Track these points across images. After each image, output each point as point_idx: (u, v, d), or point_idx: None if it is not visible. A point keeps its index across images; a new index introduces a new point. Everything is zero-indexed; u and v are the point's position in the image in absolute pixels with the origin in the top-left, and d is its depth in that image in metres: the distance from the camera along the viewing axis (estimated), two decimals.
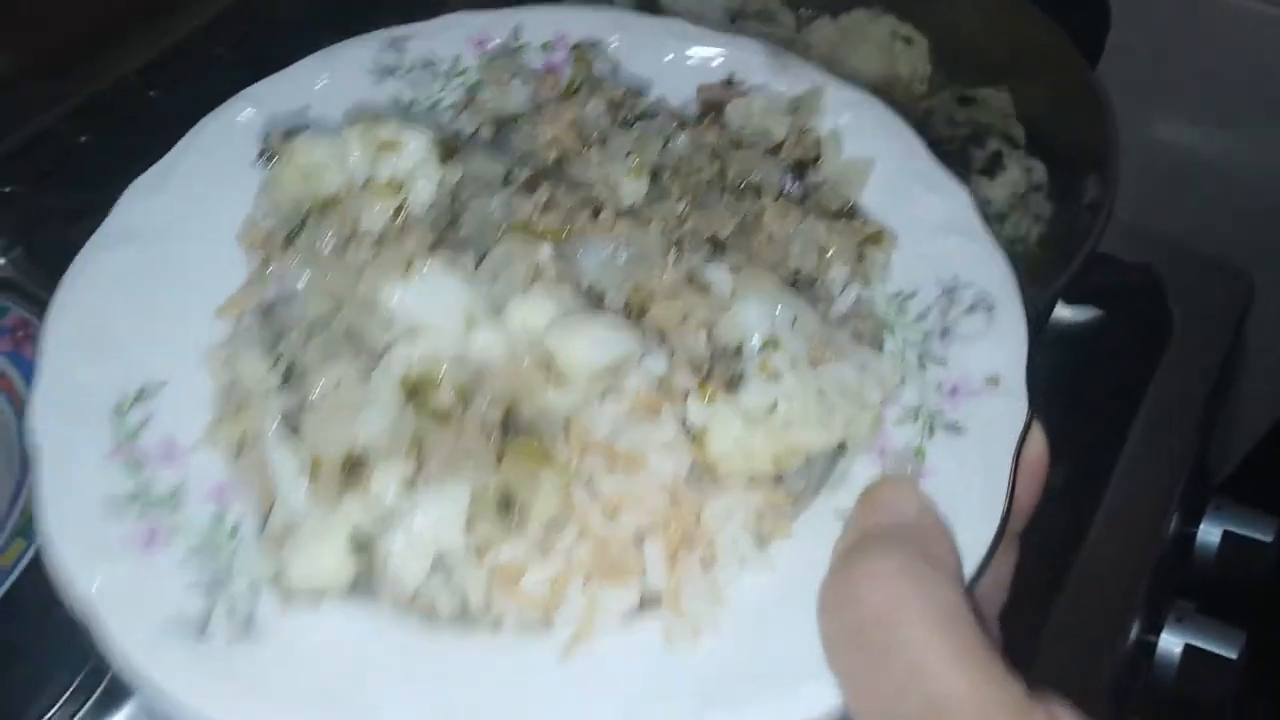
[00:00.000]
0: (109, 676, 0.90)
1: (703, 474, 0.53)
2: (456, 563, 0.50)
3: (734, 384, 0.52)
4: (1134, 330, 1.18)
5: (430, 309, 0.50)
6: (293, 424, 0.54)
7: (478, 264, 0.52)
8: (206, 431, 0.56)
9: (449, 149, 0.54)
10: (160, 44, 1.39)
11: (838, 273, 0.62)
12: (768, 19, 1.25)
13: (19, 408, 0.97)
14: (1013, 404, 0.55)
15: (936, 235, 0.63)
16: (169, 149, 1.24)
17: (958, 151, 1.09)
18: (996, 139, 1.11)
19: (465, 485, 0.49)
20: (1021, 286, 0.60)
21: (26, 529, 0.89)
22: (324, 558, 0.49)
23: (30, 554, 0.87)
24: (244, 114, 0.69)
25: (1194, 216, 1.31)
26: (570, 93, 0.60)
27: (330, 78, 0.72)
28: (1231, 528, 1.09)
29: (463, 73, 0.74)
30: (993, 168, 1.09)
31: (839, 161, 0.67)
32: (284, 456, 0.52)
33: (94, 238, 0.63)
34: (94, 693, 0.90)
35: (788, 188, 0.64)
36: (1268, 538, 1.07)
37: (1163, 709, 0.99)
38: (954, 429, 0.55)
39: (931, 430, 0.55)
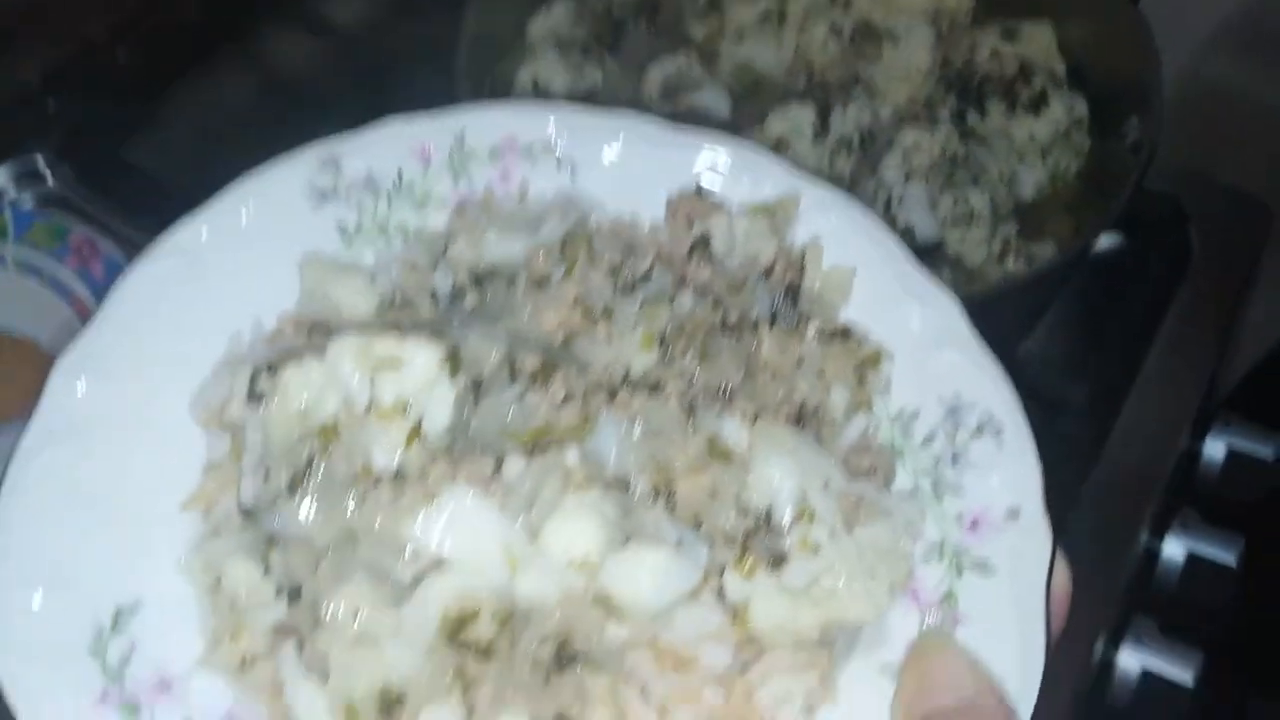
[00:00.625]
0: None
1: (743, 646, 0.52)
2: None
3: (776, 562, 0.51)
4: (1157, 258, 1.21)
5: (462, 543, 0.47)
6: (291, 636, 0.50)
7: (495, 469, 0.49)
8: (204, 658, 0.51)
9: (456, 360, 0.50)
10: None
11: (838, 398, 0.61)
12: None
13: None
14: (1037, 539, 0.55)
15: (931, 350, 0.62)
16: (207, 65, 1.23)
17: (1004, 89, 1.10)
18: (1042, 75, 1.11)
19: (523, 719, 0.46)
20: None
21: None
22: None
23: None
24: (173, 265, 0.62)
25: (1219, 148, 1.34)
26: (570, 270, 0.56)
27: (262, 206, 0.65)
28: (1236, 443, 1.14)
29: (408, 188, 0.69)
30: (1038, 104, 1.09)
31: (821, 273, 0.65)
32: (308, 696, 0.47)
33: (24, 439, 0.55)
34: None
35: (780, 315, 0.62)
36: (1269, 454, 1.13)
37: (1167, 611, 1.05)
38: (983, 568, 0.55)
39: (960, 570, 0.55)
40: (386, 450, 0.49)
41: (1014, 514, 0.56)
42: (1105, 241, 1.21)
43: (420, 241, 0.65)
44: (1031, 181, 1.10)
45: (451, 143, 0.69)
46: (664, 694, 0.49)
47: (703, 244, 0.62)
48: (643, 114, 0.71)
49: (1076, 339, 1.19)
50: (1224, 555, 1.08)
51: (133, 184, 1.24)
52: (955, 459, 0.59)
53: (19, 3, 1.26)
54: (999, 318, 0.98)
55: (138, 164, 1.27)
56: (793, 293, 0.62)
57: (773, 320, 0.61)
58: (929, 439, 0.60)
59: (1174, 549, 1.08)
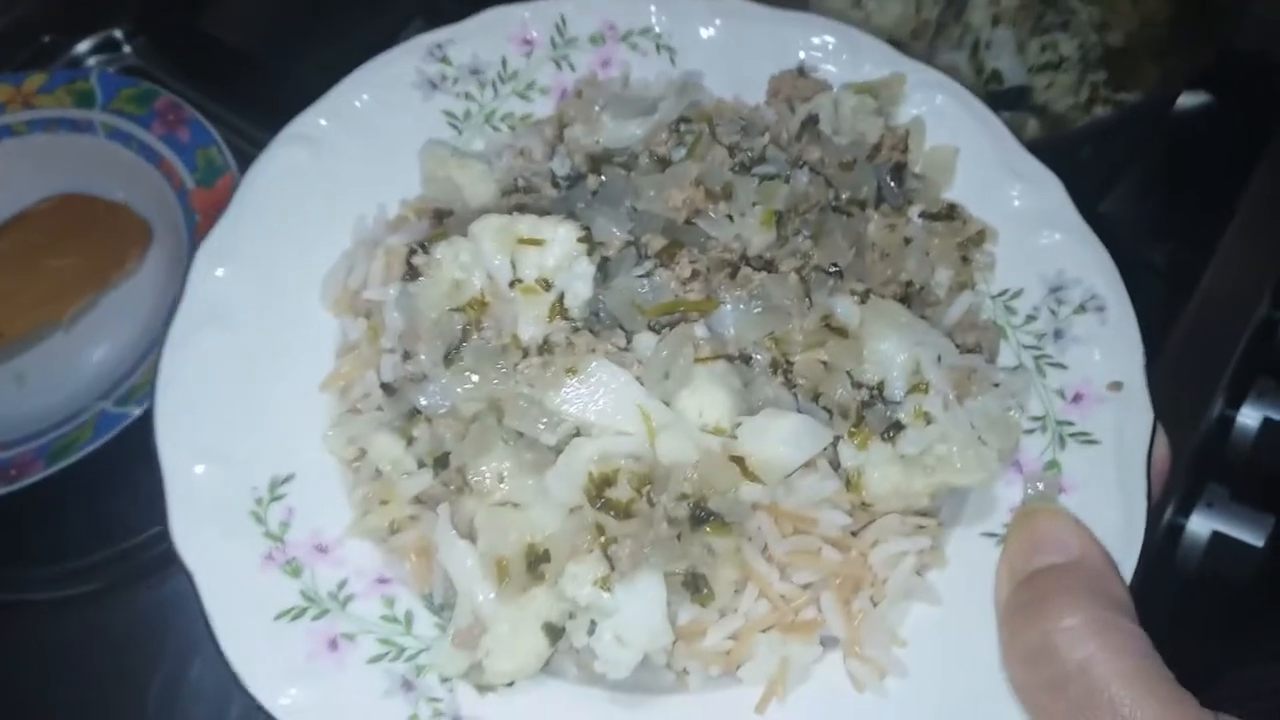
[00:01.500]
0: None
1: (857, 511, 0.55)
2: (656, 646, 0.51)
3: (890, 432, 0.53)
4: (1243, 117, 1.17)
5: (602, 408, 0.50)
6: (432, 506, 0.54)
7: (627, 342, 0.51)
8: (355, 524, 0.56)
9: (592, 238, 0.52)
10: None
11: (943, 276, 0.62)
12: None
13: (179, 187, 1.03)
14: (1139, 411, 0.57)
15: (1034, 230, 0.63)
16: None
17: None
18: None
19: (658, 575, 0.49)
20: (1128, 284, 0.61)
21: None
22: (522, 654, 0.50)
23: None
24: (297, 155, 0.64)
25: None
26: (692, 150, 0.57)
27: (375, 98, 0.67)
28: (1273, 414, 1.08)
29: (514, 76, 0.70)
30: None
31: (925, 152, 0.66)
32: (460, 554, 0.51)
33: (175, 324, 0.59)
34: None
35: (887, 196, 0.63)
36: None
37: (1239, 477, 1.06)
38: (1085, 439, 0.57)
39: (1063, 441, 0.57)
40: (532, 324, 0.52)
41: (1116, 386, 0.58)
42: (1193, 100, 1.17)
43: (529, 129, 0.67)
44: (1122, 28, 1.06)
45: (553, 30, 0.70)
46: (784, 554, 0.52)
47: (812, 123, 0.63)
48: (745, 3, 0.71)
49: (1162, 199, 1.17)
50: (1252, 537, 1.03)
51: (206, 52, 1.26)
52: (1058, 335, 0.61)
53: None
54: (1083, 165, 0.96)
55: (212, 33, 1.28)
56: (898, 172, 0.63)
57: (879, 200, 0.62)
58: (1032, 316, 0.62)
59: (1250, 416, 1.06)
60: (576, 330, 0.51)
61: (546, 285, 0.52)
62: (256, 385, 0.59)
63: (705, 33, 0.70)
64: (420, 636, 0.53)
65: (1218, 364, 1.02)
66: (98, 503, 0.92)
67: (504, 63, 0.69)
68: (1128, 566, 0.53)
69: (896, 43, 0.97)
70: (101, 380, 0.95)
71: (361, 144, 0.65)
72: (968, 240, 0.63)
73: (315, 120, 0.65)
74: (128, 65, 1.24)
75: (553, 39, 0.70)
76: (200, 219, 1.00)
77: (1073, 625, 0.47)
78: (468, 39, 0.69)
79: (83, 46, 1.25)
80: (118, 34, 1.25)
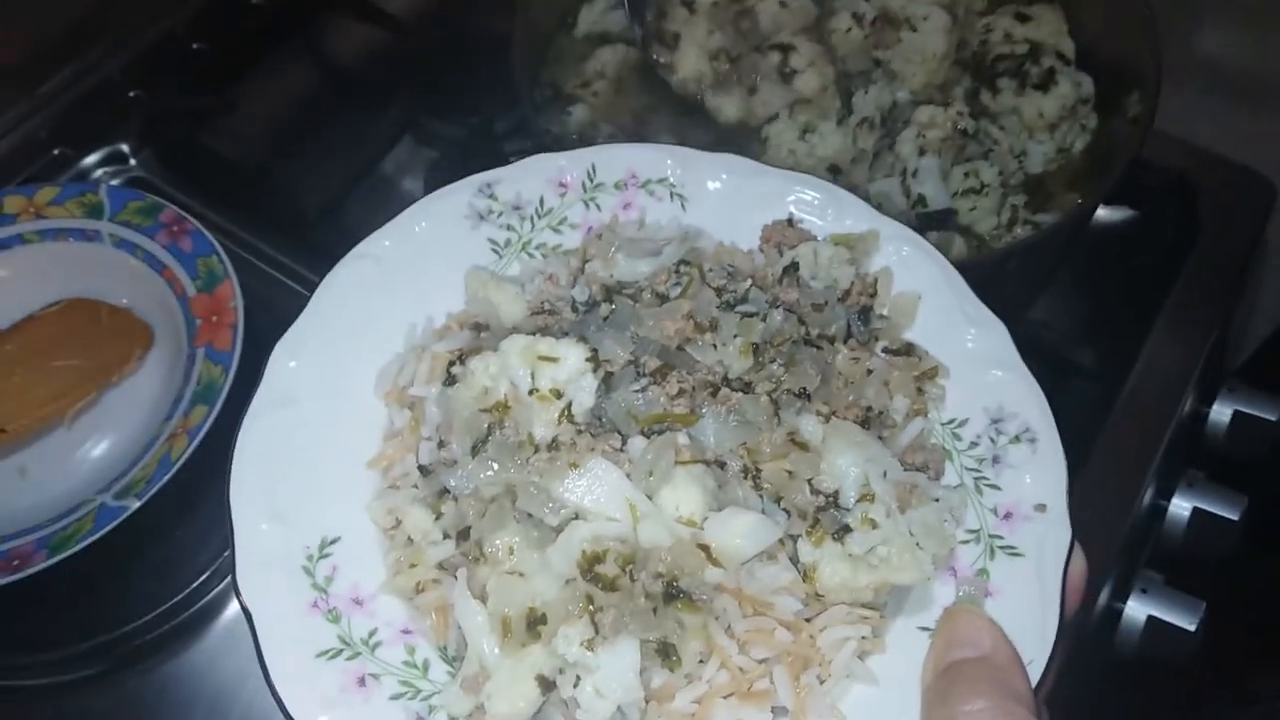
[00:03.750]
0: None
1: (811, 601, 0.65)
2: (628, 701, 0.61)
3: (839, 534, 0.63)
4: (1165, 230, 1.28)
5: (596, 497, 0.61)
6: (458, 568, 0.65)
7: (625, 444, 0.63)
8: (387, 582, 0.66)
9: (598, 359, 0.64)
10: None
11: (900, 404, 0.73)
12: None
13: (181, 294, 1.09)
14: (1059, 529, 0.67)
15: (981, 368, 0.74)
16: (275, 56, 1.41)
17: (1016, 68, 1.18)
18: (1050, 55, 1.19)
19: (634, 641, 0.59)
20: (1057, 417, 0.71)
21: (206, 395, 1.01)
22: (517, 701, 0.60)
23: (213, 417, 0.97)
24: (363, 269, 0.77)
25: (1225, 125, 1.40)
26: (685, 290, 0.69)
27: (431, 225, 0.80)
28: (1242, 407, 1.21)
29: (548, 213, 0.83)
30: (1046, 82, 1.17)
31: (890, 297, 0.77)
32: (472, 611, 0.62)
33: (253, 404, 0.71)
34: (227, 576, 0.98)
35: (854, 332, 0.74)
36: (1273, 416, 1.20)
37: (1171, 563, 1.12)
38: (1012, 552, 0.67)
39: (993, 553, 0.67)
40: (545, 425, 0.63)
41: (1041, 508, 0.68)
42: (1116, 214, 1.29)
43: (558, 258, 0.79)
44: (1040, 155, 1.17)
45: (584, 175, 0.83)
46: (744, 631, 0.62)
47: (793, 269, 0.74)
48: (743, 156, 0.84)
49: (1088, 307, 1.26)
50: (1228, 511, 1.14)
51: (207, 165, 1.35)
52: (995, 460, 0.71)
53: (99, 2, 1.37)
54: (1010, 275, 1.08)
55: (212, 146, 1.37)
56: (865, 314, 0.75)
57: (847, 336, 0.74)
58: (974, 443, 0.72)
59: (1181, 506, 1.15)
60: (580, 432, 0.63)
61: (558, 394, 0.64)
62: (315, 460, 0.70)
63: (712, 185, 0.83)
64: (434, 681, 0.63)
65: (1146, 457, 1.11)
66: (93, 591, 0.99)
67: (541, 201, 0.82)
68: (1039, 664, 0.61)
69: (837, 169, 1.12)
70: (101, 474, 1.00)
71: (417, 263, 0.78)
72: (922, 374, 0.73)
73: (380, 241, 0.78)
74: (133, 177, 1.33)
75: (584, 183, 0.83)
76: (200, 323, 1.07)
77: (974, 710, 0.56)
78: (513, 180, 0.82)
79: (90, 159, 1.34)
80: (124, 148, 1.34)
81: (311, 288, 0.72)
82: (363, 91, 1.48)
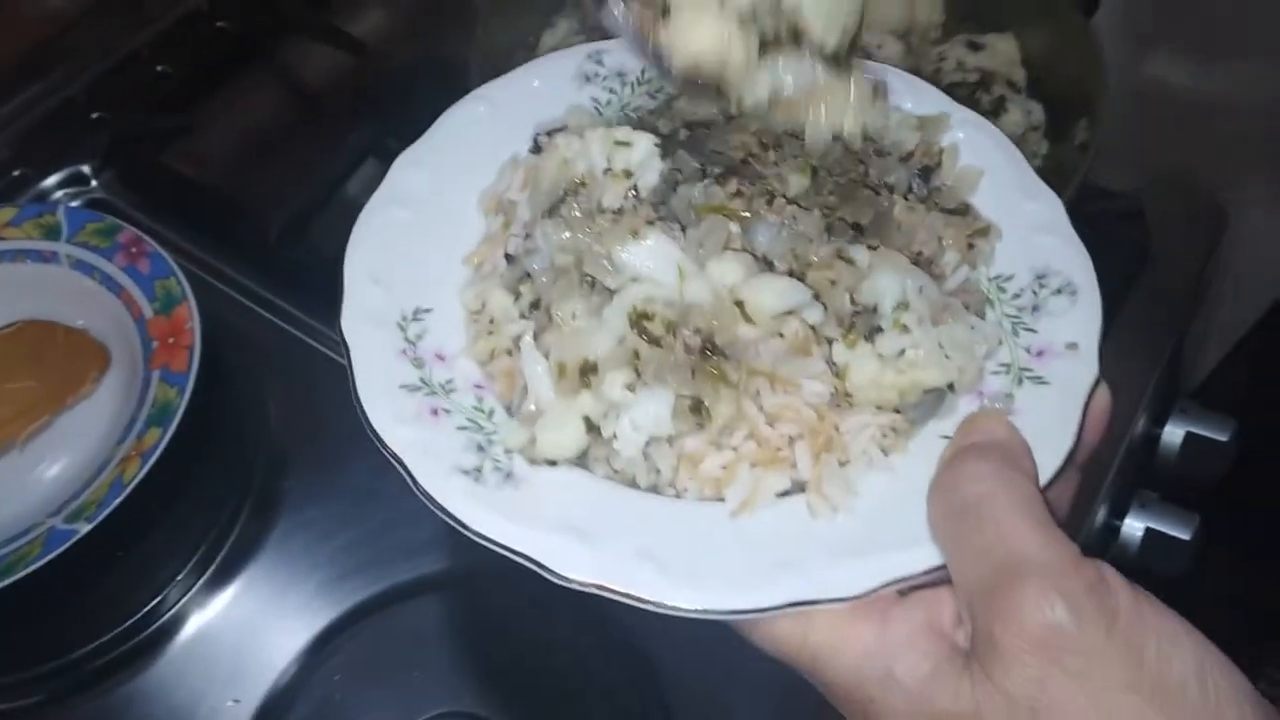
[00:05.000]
0: (224, 552, 1.05)
1: (842, 399, 0.71)
2: (657, 448, 0.68)
3: (872, 335, 0.69)
4: (1116, 252, 1.27)
5: (652, 264, 0.69)
6: (536, 338, 0.73)
7: (685, 233, 0.70)
8: (466, 345, 0.75)
9: (665, 149, 0.73)
10: None
11: (951, 257, 0.78)
12: None
13: (138, 316, 1.09)
14: (1087, 365, 0.71)
15: (1033, 233, 0.79)
16: (239, 78, 1.43)
17: (967, 96, 1.20)
18: (1001, 84, 1.23)
19: (670, 390, 0.67)
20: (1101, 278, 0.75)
21: (160, 418, 1.01)
22: (565, 434, 0.68)
23: (166, 439, 0.98)
24: (479, 107, 0.88)
25: (1176, 148, 1.43)
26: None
27: (543, 81, 0.91)
28: (1193, 428, 1.23)
29: (648, 82, 0.92)
30: (997, 110, 1.21)
31: (955, 170, 0.83)
32: (535, 361, 0.70)
33: (373, 199, 0.82)
34: (210, 566, 1.06)
35: (914, 188, 0.80)
36: (1224, 437, 1.22)
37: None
38: (1038, 381, 0.71)
39: (1020, 381, 0.72)
40: (613, 198, 0.72)
41: (1073, 347, 0.72)
42: None
43: (652, 117, 0.89)
44: None
45: None
46: (772, 405, 0.68)
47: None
48: None
49: None
50: (1180, 531, 1.16)
51: (170, 186, 1.33)
52: (1035, 309, 0.75)
53: (62, 21, 1.40)
54: None
55: (175, 168, 1.35)
56: (926, 173, 0.81)
57: (908, 191, 0.80)
58: (1017, 295, 0.77)
59: (1133, 526, 1.17)
60: (642, 204, 0.71)
61: (628, 174, 0.72)
62: (419, 249, 0.80)
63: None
64: (496, 423, 0.71)
65: (1098, 477, 1.13)
66: (44, 616, 1.01)
67: (643, 71, 0.92)
68: (1050, 467, 0.65)
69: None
70: (53, 498, 1.00)
71: (526, 109, 0.88)
72: (975, 232, 0.79)
73: (495, 88, 0.89)
74: (94, 198, 1.34)
75: None
76: (157, 345, 1.08)
77: (977, 470, 0.61)
78: (621, 51, 0.92)
79: (51, 180, 1.35)
80: (86, 169, 1.35)
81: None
82: (327, 113, 1.48)
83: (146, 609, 1.04)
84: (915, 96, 0.88)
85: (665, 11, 0.83)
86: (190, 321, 1.09)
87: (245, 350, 1.20)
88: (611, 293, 0.70)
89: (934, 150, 0.82)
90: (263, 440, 1.15)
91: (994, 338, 0.73)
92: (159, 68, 1.46)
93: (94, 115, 1.41)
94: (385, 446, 0.68)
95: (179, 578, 1.06)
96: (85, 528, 0.94)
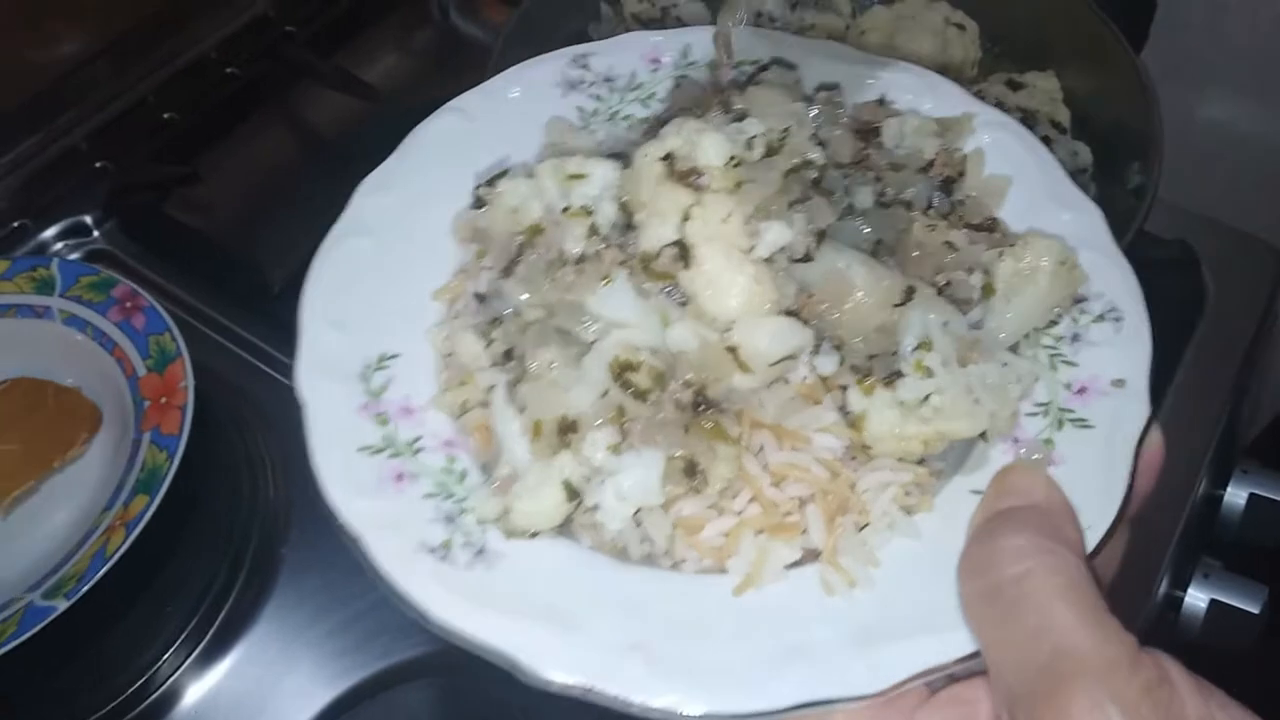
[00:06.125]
0: (217, 625, 0.99)
1: (858, 453, 0.62)
2: (649, 515, 0.60)
3: (891, 379, 0.61)
4: (1170, 302, 1.18)
5: (629, 310, 0.60)
6: (509, 391, 0.65)
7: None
8: (436, 398, 0.67)
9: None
10: (235, 21, 1.46)
11: (977, 279, 0.69)
12: (825, 6, 1.28)
13: (130, 374, 1.04)
14: (1136, 404, 0.62)
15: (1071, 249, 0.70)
16: (248, 125, 1.35)
17: None
18: (1044, 124, 1.15)
19: (660, 452, 0.58)
20: (1148, 300, 0.66)
21: (149, 483, 0.95)
22: (543, 502, 0.60)
23: (153, 507, 0.92)
24: (452, 121, 0.80)
25: (1228, 192, 1.35)
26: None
27: (522, 89, 0.82)
28: (1257, 490, 1.14)
29: (638, 87, 0.84)
30: None
31: (981, 178, 0.74)
32: (508, 420, 0.62)
33: (335, 228, 0.74)
34: (203, 640, 0.99)
35: (935, 203, 0.71)
36: None
37: (1188, 660, 1.04)
38: (1082, 424, 0.62)
39: (1061, 424, 0.63)
40: (574, 241, 0.63)
41: (1120, 383, 0.63)
42: None
43: (642, 124, 0.80)
44: None
45: (678, 54, 0.84)
46: (778, 463, 0.60)
47: (873, 132, 0.72)
48: (842, 44, 0.83)
49: None
50: (1248, 604, 1.06)
51: (172, 237, 1.28)
52: (1075, 338, 0.67)
53: (66, 67, 1.32)
54: None
55: (180, 219, 1.30)
56: (948, 185, 0.72)
57: (928, 206, 0.71)
58: (1054, 321, 0.68)
59: (1197, 598, 1.07)
60: (607, 246, 0.63)
61: (587, 212, 0.64)
62: (385, 286, 0.72)
63: (809, 71, 0.82)
64: (468, 488, 0.64)
65: (1160, 547, 1.04)
66: (21, 696, 0.95)
67: (633, 75, 0.83)
68: (1098, 529, 0.57)
69: None
70: (34, 570, 0.95)
71: (504, 122, 0.80)
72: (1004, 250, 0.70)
73: (470, 99, 0.81)
74: (95, 249, 1.29)
75: (676, 60, 0.83)
76: (149, 405, 1.02)
77: (1014, 545, 0.52)
78: (607, 53, 0.83)
79: (51, 231, 1.29)
80: (88, 219, 1.30)
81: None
82: (337, 161, 1.35)
83: (134, 688, 0.98)
84: (935, 96, 0.78)
85: None
86: (184, 380, 1.02)
87: (243, 407, 1.14)
88: (590, 346, 0.61)
89: (956, 158, 0.73)
90: (259, 504, 1.08)
91: (1030, 376, 0.64)
92: (165, 114, 1.41)
93: (97, 164, 1.36)
94: (342, 523, 0.60)
95: (168, 654, 1.00)
96: (63, 604, 0.89)
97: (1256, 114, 1.43)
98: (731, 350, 0.59)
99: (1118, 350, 0.65)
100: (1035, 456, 0.61)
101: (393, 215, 0.75)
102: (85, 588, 0.90)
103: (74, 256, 1.28)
